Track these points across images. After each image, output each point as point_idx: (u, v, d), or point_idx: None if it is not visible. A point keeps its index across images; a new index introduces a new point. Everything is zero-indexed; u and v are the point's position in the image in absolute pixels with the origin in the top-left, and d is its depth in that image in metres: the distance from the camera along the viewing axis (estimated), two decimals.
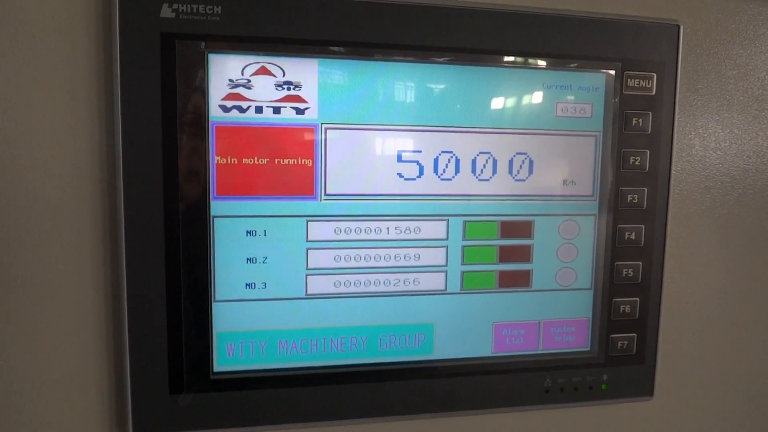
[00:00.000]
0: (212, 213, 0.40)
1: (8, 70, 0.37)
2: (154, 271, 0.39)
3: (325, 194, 0.41)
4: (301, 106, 0.40)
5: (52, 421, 0.41)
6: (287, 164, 0.40)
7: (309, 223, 0.41)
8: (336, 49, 0.40)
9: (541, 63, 0.43)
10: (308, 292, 0.42)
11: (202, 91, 0.38)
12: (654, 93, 0.45)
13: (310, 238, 0.42)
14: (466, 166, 0.43)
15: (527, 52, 0.43)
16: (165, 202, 0.38)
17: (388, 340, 0.44)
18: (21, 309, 0.39)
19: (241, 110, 0.39)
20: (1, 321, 0.39)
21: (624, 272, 0.46)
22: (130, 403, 0.40)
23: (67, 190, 0.39)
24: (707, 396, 0.54)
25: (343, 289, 0.43)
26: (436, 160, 0.43)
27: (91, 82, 0.38)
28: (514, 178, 0.44)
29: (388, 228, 0.43)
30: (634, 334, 0.47)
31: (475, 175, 0.43)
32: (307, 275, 0.42)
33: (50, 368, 0.40)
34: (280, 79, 0.40)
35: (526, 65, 0.43)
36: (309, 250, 0.42)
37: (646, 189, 0.46)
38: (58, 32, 0.38)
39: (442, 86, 0.42)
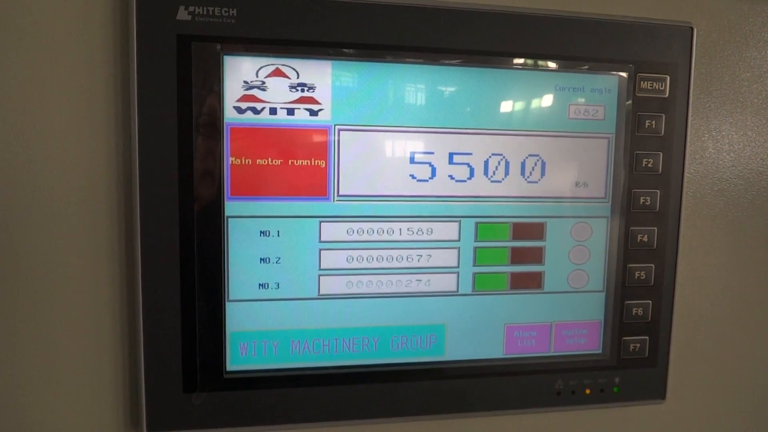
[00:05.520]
0: (226, 213, 0.40)
1: (26, 72, 0.38)
2: (168, 271, 0.39)
3: (338, 195, 0.42)
4: (315, 107, 0.40)
5: (67, 420, 0.41)
6: (300, 165, 0.41)
7: (322, 223, 0.42)
8: (349, 51, 0.40)
9: (554, 65, 0.43)
10: (321, 292, 0.42)
11: (217, 93, 0.39)
12: (667, 95, 0.45)
13: (322, 239, 0.42)
14: (478, 167, 0.43)
15: (539, 54, 0.43)
16: (180, 202, 0.39)
17: (399, 341, 0.44)
18: (36, 308, 0.40)
19: (256, 111, 0.40)
20: (15, 320, 0.40)
21: (636, 275, 0.46)
22: (144, 402, 0.40)
23: (83, 190, 0.39)
24: (719, 399, 0.54)
25: (355, 290, 0.43)
26: (448, 162, 0.43)
27: (108, 83, 0.39)
28: (526, 179, 0.44)
29: (400, 229, 0.43)
30: (647, 337, 0.47)
31: (487, 176, 0.44)
32: (319, 275, 0.42)
33: (65, 367, 0.41)
34: (294, 80, 0.40)
35: (538, 67, 0.43)
36: (321, 251, 0.42)
37: (658, 191, 0.46)
38: (75, 34, 0.38)
39: (454, 88, 0.42)
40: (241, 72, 0.39)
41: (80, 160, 0.39)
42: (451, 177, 0.43)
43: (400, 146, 0.42)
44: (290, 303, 0.42)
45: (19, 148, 0.38)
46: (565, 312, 0.46)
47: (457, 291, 0.44)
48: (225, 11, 0.38)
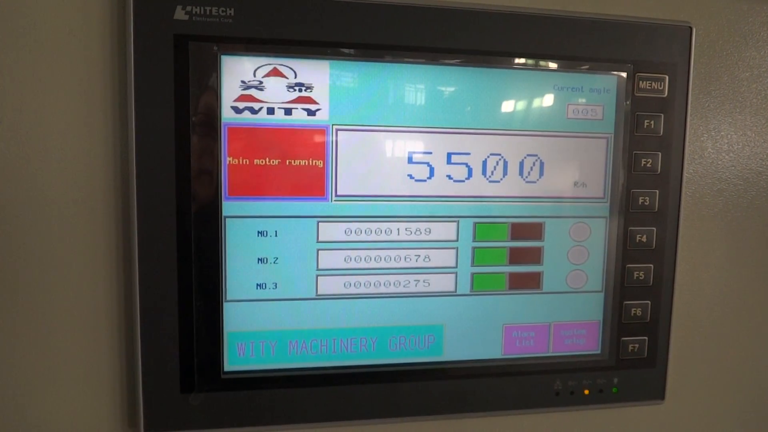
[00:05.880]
0: (224, 213, 0.40)
1: (23, 72, 0.38)
2: (166, 271, 0.39)
3: (336, 195, 0.41)
4: (313, 107, 0.40)
5: (65, 420, 0.41)
6: (298, 165, 0.41)
7: (320, 223, 0.41)
8: (347, 50, 0.40)
9: (552, 65, 0.43)
10: (318, 292, 0.42)
11: (215, 93, 0.39)
12: (666, 95, 0.45)
13: (320, 239, 0.42)
14: (477, 167, 0.43)
15: (538, 54, 0.43)
16: (177, 203, 0.39)
17: (397, 341, 0.44)
18: (34, 308, 0.40)
19: (253, 111, 0.40)
20: (13, 319, 0.40)
21: (635, 275, 0.46)
22: (142, 402, 0.40)
23: (80, 190, 0.39)
24: (718, 400, 0.54)
25: (353, 290, 0.43)
26: (447, 162, 0.43)
27: (105, 83, 0.39)
28: (524, 179, 0.44)
29: (398, 229, 0.43)
30: (645, 338, 0.47)
31: (485, 176, 0.43)
32: (317, 276, 0.42)
33: (62, 367, 0.41)
34: (292, 80, 0.40)
35: (537, 67, 0.43)
36: (319, 251, 0.42)
37: (657, 191, 0.46)
38: (72, 34, 0.38)
39: (452, 88, 0.42)
40: (238, 72, 0.39)
41: (77, 159, 0.39)
42: (450, 177, 0.43)
43: (399, 146, 0.42)
44: (288, 303, 0.42)
45: (17, 148, 0.38)
46: (564, 312, 0.46)
47: (456, 291, 0.44)
48: (222, 11, 0.38)
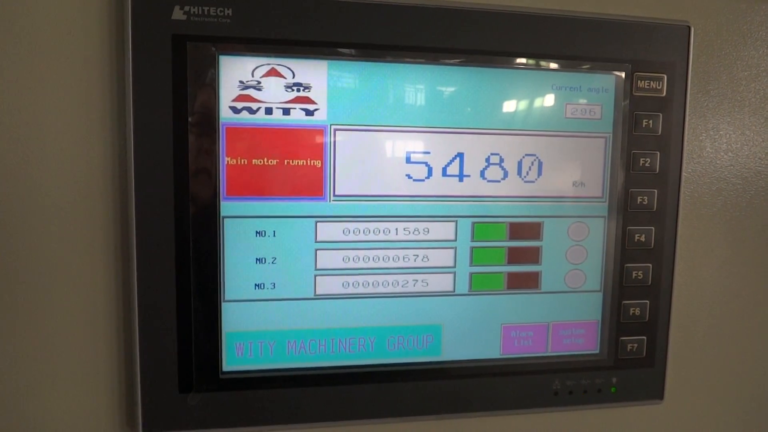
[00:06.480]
0: (222, 213, 0.40)
1: (22, 72, 0.38)
2: (164, 271, 0.39)
3: (334, 195, 0.41)
4: (311, 107, 0.40)
5: (63, 420, 0.41)
6: (296, 165, 0.41)
7: (318, 223, 0.41)
8: (346, 50, 0.40)
9: (551, 64, 0.43)
10: (317, 292, 0.42)
11: (213, 93, 0.39)
12: (664, 94, 0.45)
13: (318, 239, 0.42)
14: (475, 167, 0.43)
15: (537, 53, 0.43)
16: (175, 203, 0.39)
17: (396, 341, 0.44)
18: (32, 308, 0.40)
19: (251, 111, 0.40)
20: (12, 319, 0.40)
21: (634, 274, 0.46)
22: (140, 402, 0.40)
23: (79, 190, 0.39)
24: (718, 400, 0.54)
25: (351, 290, 0.43)
26: (445, 162, 0.43)
27: (104, 83, 0.39)
28: (523, 179, 0.44)
29: (396, 229, 0.43)
30: (644, 337, 0.47)
31: (484, 176, 0.43)
32: (315, 276, 0.42)
33: (61, 367, 0.41)
34: (290, 80, 0.40)
35: (535, 67, 0.43)
36: (318, 251, 0.42)
37: (656, 191, 0.46)
38: (71, 34, 0.38)
39: (451, 88, 0.42)
40: (236, 72, 0.39)
41: (76, 160, 0.39)
42: (448, 177, 0.43)
43: (397, 146, 0.42)
44: (286, 303, 0.42)
45: (15, 148, 0.38)
46: (563, 312, 0.46)
47: (454, 291, 0.44)
48: (220, 11, 0.38)
